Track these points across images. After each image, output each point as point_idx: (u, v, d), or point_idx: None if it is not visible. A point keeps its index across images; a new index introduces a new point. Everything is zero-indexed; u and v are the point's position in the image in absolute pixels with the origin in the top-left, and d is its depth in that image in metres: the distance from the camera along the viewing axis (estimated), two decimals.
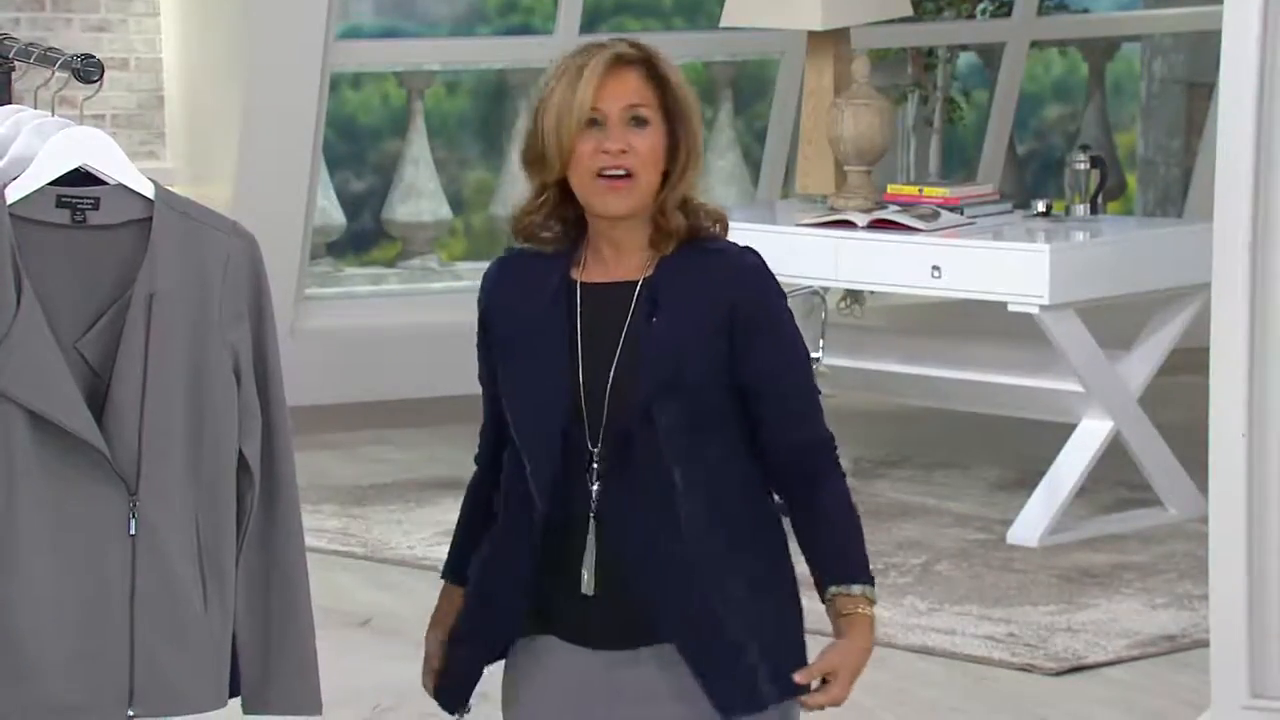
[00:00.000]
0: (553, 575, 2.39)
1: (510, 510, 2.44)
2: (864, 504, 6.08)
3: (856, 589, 2.38)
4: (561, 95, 2.33)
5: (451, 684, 2.45)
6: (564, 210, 2.39)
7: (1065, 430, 5.76)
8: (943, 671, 4.63)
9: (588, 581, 2.35)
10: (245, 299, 2.47)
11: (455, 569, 2.55)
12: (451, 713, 2.45)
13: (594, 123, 2.33)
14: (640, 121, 2.34)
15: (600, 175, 2.33)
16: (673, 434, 2.31)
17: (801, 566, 2.42)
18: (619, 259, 2.38)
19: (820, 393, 2.43)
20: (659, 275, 2.35)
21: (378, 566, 5.37)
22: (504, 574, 2.43)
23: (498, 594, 2.43)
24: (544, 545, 2.39)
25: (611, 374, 2.34)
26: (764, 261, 2.40)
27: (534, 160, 2.38)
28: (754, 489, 2.38)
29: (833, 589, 2.38)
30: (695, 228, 2.38)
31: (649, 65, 2.35)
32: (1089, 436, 5.71)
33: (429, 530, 5.65)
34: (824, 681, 2.38)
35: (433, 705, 4.66)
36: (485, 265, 8.76)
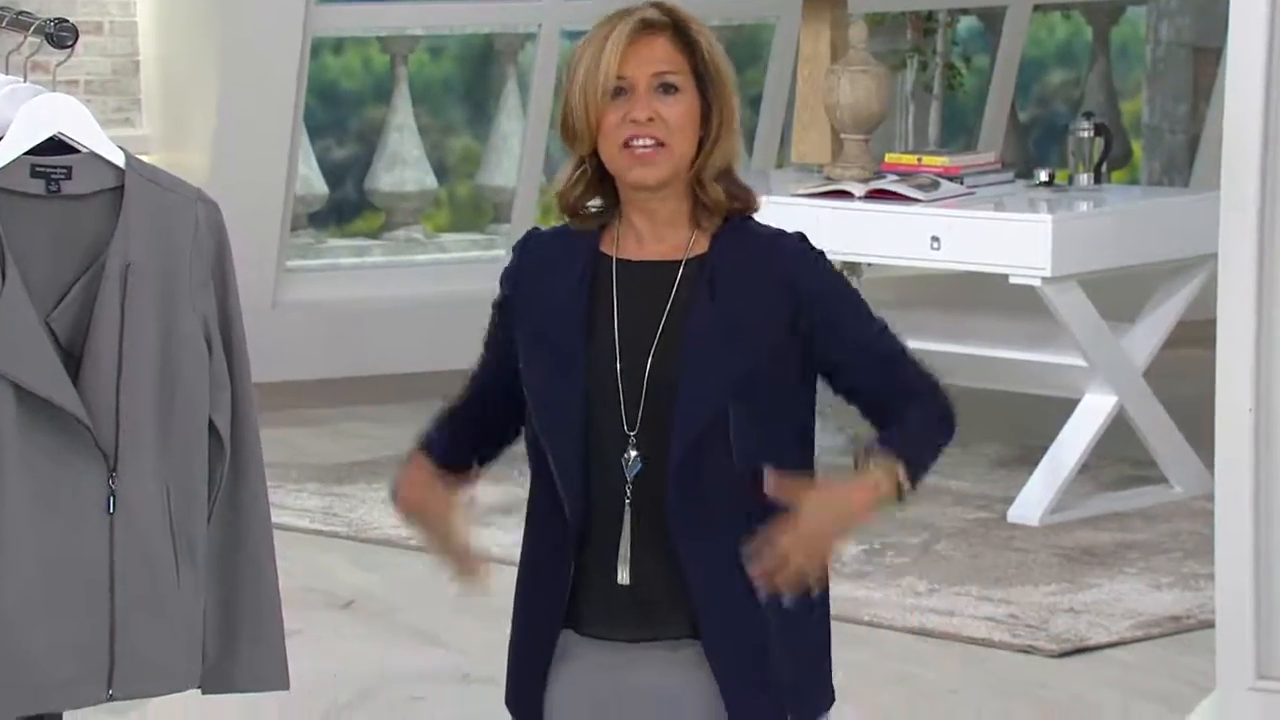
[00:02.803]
0: (580, 569, 2.35)
1: (539, 511, 2.38)
2: None
3: (900, 468, 2.25)
4: (587, 65, 2.32)
5: (519, 703, 2.40)
6: (603, 184, 2.37)
7: (1068, 406, 5.77)
8: (941, 653, 4.65)
9: (624, 574, 2.30)
10: (210, 266, 2.47)
11: (428, 442, 2.49)
12: None
13: (620, 91, 2.31)
14: (669, 88, 2.32)
15: (628, 145, 2.32)
16: (741, 427, 2.28)
17: None
18: (656, 234, 2.35)
19: (905, 345, 2.37)
20: (715, 255, 2.33)
21: (361, 547, 5.37)
22: (547, 580, 2.37)
23: (543, 604, 2.37)
24: (577, 538, 2.34)
25: (650, 357, 2.31)
26: (805, 238, 2.40)
27: (568, 133, 2.36)
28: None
29: (875, 452, 2.26)
30: (739, 206, 2.36)
31: (678, 29, 2.33)
32: (1092, 412, 5.72)
33: None
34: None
35: (419, 687, 4.65)
36: (471, 236, 8.68)
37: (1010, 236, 5.51)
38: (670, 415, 2.30)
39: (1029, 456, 5.87)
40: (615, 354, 2.33)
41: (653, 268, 2.35)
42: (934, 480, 6.92)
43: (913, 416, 2.33)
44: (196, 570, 2.47)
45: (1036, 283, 5.47)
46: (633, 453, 2.32)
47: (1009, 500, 5.67)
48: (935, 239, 5.55)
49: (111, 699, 2.44)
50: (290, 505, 5.58)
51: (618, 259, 2.37)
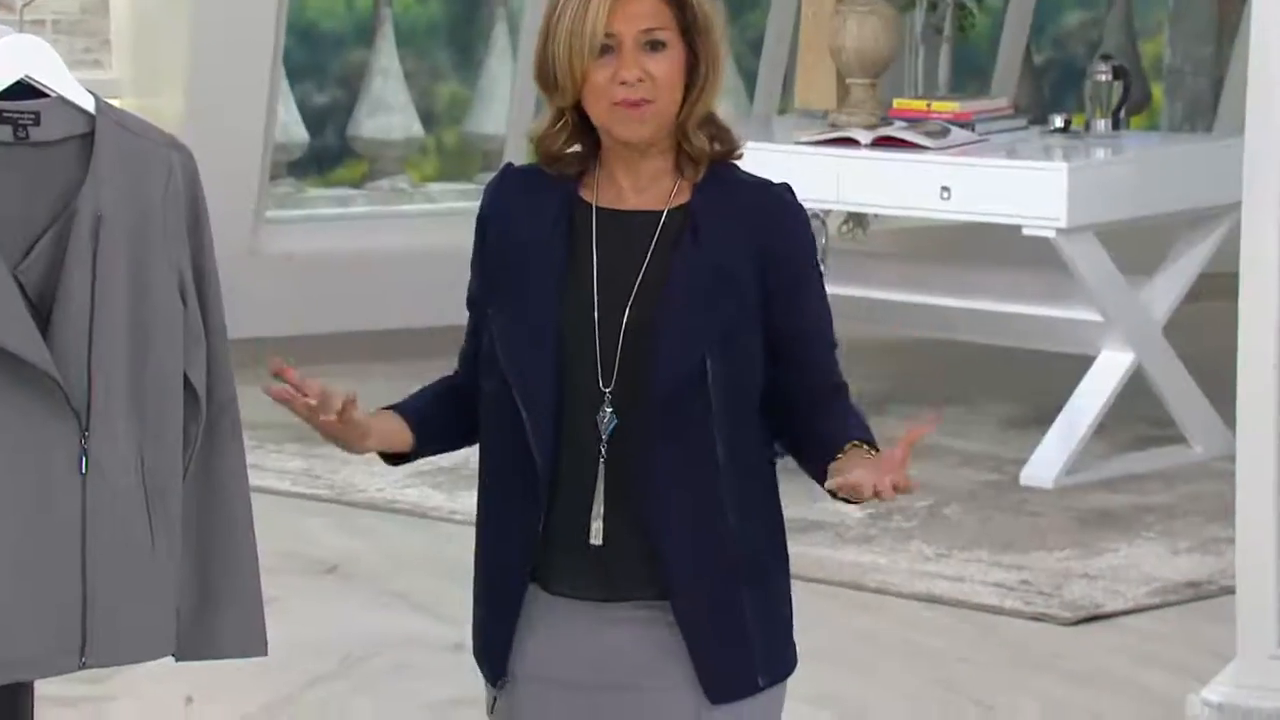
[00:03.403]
0: (547, 526, 2.37)
1: (503, 466, 2.39)
2: None
3: (875, 452, 2.35)
4: (572, 20, 2.33)
5: (489, 654, 2.43)
6: (585, 133, 2.39)
7: (1083, 363, 5.78)
8: (950, 621, 4.67)
9: (597, 531, 2.33)
10: (185, 216, 2.47)
11: (397, 405, 2.48)
12: (494, 683, 2.43)
13: (607, 49, 2.33)
14: (657, 45, 2.34)
15: (616, 105, 2.33)
16: (718, 379, 2.31)
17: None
18: (637, 185, 2.37)
19: (837, 345, 2.44)
20: (698, 204, 2.35)
21: (345, 510, 5.39)
22: (514, 537, 2.39)
23: (512, 560, 2.40)
24: (547, 493, 2.36)
25: (628, 309, 2.33)
26: (797, 198, 2.41)
27: (547, 85, 2.38)
28: (767, 454, 2.40)
29: (850, 445, 2.34)
30: (722, 150, 2.38)
31: None
32: (1108, 369, 5.73)
33: (399, 471, 5.65)
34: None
35: (405, 655, 4.68)
36: (460, 186, 8.67)
37: (1023, 186, 5.51)
38: (647, 369, 2.33)
39: (1042, 416, 5.89)
40: (592, 305, 2.35)
41: (634, 218, 2.37)
42: (942, 441, 6.96)
43: (850, 412, 2.41)
44: (172, 533, 2.48)
45: (1051, 234, 5.48)
46: (608, 409, 2.34)
47: (1021, 462, 5.69)
48: (945, 188, 5.55)
49: (85, 667, 2.45)
50: (269, 467, 5.59)
51: (598, 207, 2.39)
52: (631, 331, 2.34)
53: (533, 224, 2.39)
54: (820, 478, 2.36)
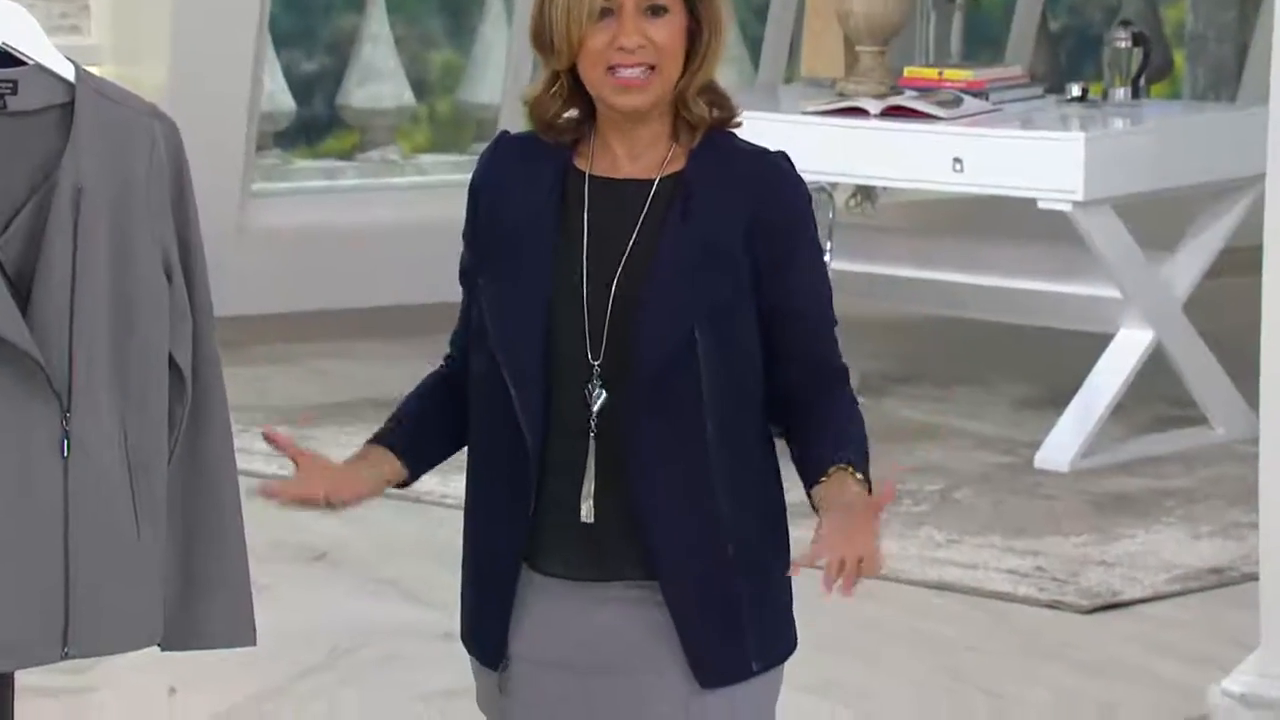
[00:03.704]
0: (538, 505, 2.39)
1: (492, 446, 2.41)
2: (874, 425, 6.10)
3: (859, 475, 2.36)
4: None
5: (481, 638, 2.46)
6: (580, 98, 2.39)
7: (1101, 341, 5.79)
8: (961, 609, 4.68)
9: (588, 510, 2.35)
10: (169, 189, 2.47)
11: (382, 435, 2.53)
12: (492, 667, 2.45)
13: (606, 12, 2.34)
14: (658, 10, 2.34)
15: (614, 70, 2.34)
16: (709, 355, 2.32)
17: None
18: (632, 152, 2.38)
19: (837, 323, 2.44)
20: (691, 172, 2.36)
21: None
22: (505, 518, 2.41)
23: (503, 541, 2.42)
24: (538, 472, 2.38)
25: (616, 279, 2.35)
26: (795, 169, 2.40)
27: (543, 47, 2.39)
28: (766, 433, 2.41)
29: (834, 468, 2.34)
30: (720, 117, 2.38)
31: None
32: (1127, 348, 5.74)
33: None
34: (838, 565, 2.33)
35: (396, 645, 4.69)
36: (453, 157, 8.67)
37: (1039, 157, 5.52)
38: (633, 343, 2.34)
39: (1057, 397, 5.90)
40: (582, 277, 2.36)
41: (627, 186, 2.38)
42: (954, 422, 6.95)
43: (848, 425, 2.41)
44: (157, 518, 2.49)
45: (1067, 207, 5.48)
46: (597, 384, 2.35)
47: (1036, 444, 5.70)
48: (957, 160, 5.55)
49: (67, 657, 2.46)
50: (257, 449, 5.57)
51: (591, 175, 2.40)
52: (619, 304, 2.35)
53: (526, 193, 2.40)
54: (810, 496, 2.40)
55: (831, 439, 2.38)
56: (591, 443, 2.36)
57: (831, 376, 2.42)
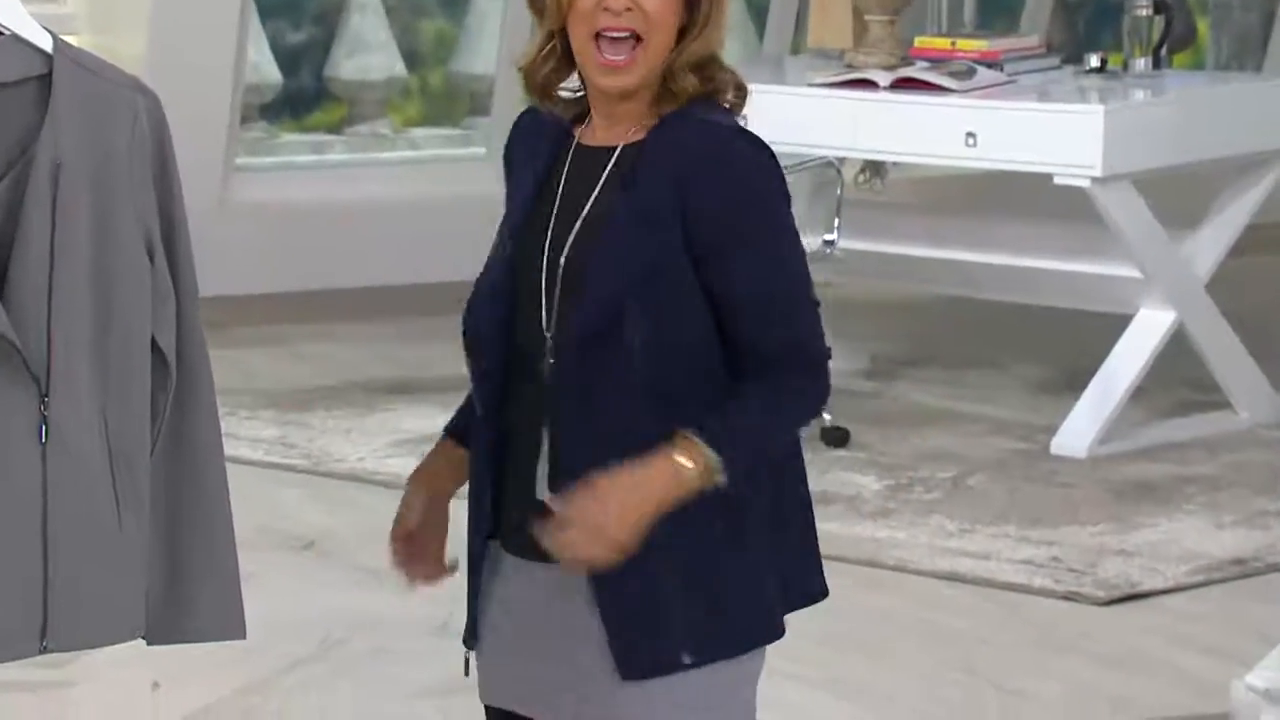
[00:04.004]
0: (502, 480, 2.43)
1: (476, 425, 2.47)
2: (884, 409, 6.20)
3: (701, 444, 2.29)
4: None
5: (467, 617, 2.49)
6: (574, 62, 2.41)
7: (1120, 322, 5.80)
8: (973, 601, 4.70)
9: (543, 490, 2.38)
10: (151, 165, 2.48)
11: (454, 426, 2.56)
12: (466, 645, 2.48)
13: None
14: None
15: (600, 36, 2.35)
16: (638, 332, 2.32)
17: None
18: (609, 121, 2.40)
19: (818, 302, 2.38)
20: (649, 141, 2.36)
21: (322, 482, 5.42)
22: (479, 495, 2.47)
23: (478, 520, 2.48)
24: (499, 448, 2.44)
25: (567, 249, 2.38)
26: (758, 149, 2.36)
27: (535, 5, 2.43)
28: None
29: (681, 433, 2.30)
30: (710, 91, 2.38)
31: None
32: (1147, 329, 5.75)
33: (381, 440, 5.69)
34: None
35: (388, 637, 4.69)
36: (445, 131, 8.63)
37: (1056, 131, 5.53)
38: (568, 310, 2.36)
39: (1075, 380, 5.91)
40: (544, 247, 2.39)
41: (598, 154, 2.41)
42: (967, 407, 6.94)
43: (752, 401, 2.34)
44: (140, 507, 2.50)
45: (1085, 183, 5.49)
46: (550, 356, 2.38)
47: (1052, 429, 5.71)
48: (970, 134, 5.56)
49: (46, 651, 2.47)
50: (242, 435, 5.62)
51: (577, 145, 2.43)
52: (566, 272, 2.37)
53: (528, 166, 2.45)
54: None
55: (716, 411, 2.33)
56: (546, 419, 2.39)
57: (776, 362, 2.36)
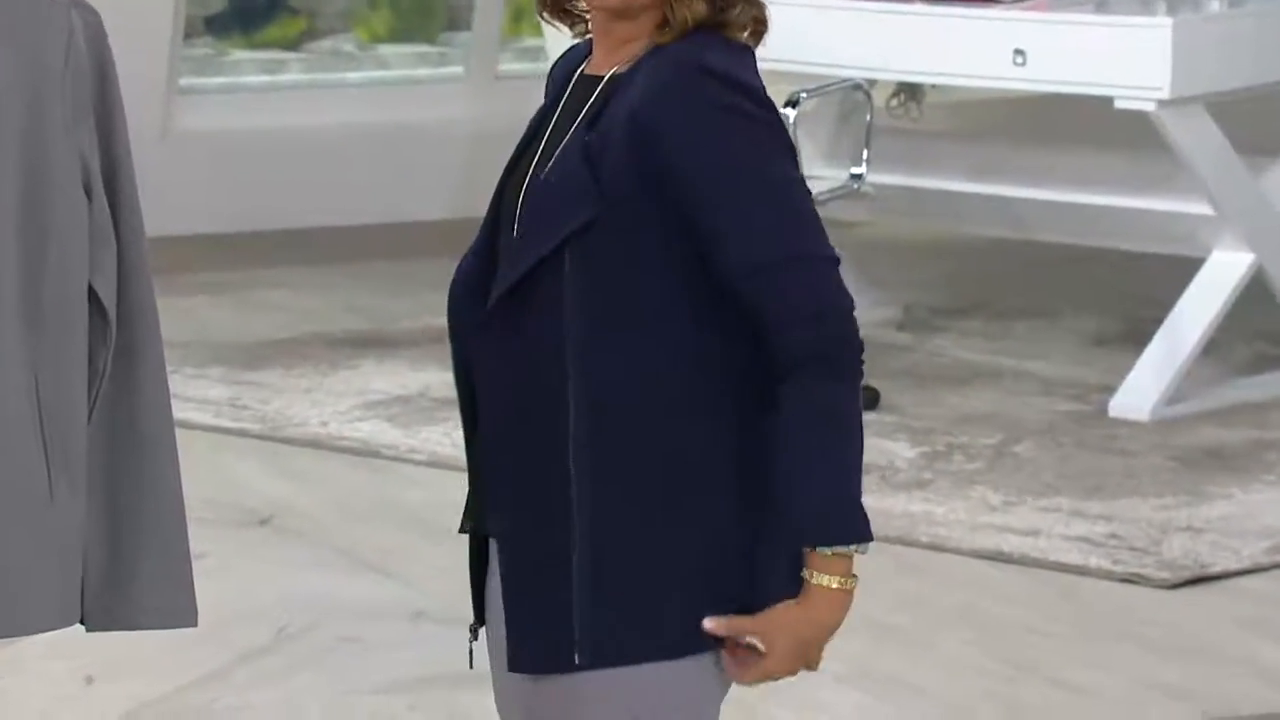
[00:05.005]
0: (473, 450, 2.48)
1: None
2: (919, 366, 6.22)
3: (826, 550, 2.32)
4: None
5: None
6: None
7: (1190, 266, 5.81)
8: (1021, 583, 4.72)
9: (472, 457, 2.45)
10: (90, 91, 2.49)
11: None
12: (474, 634, 2.54)
13: None
14: None
15: None
16: (574, 283, 2.34)
17: None
18: (606, 49, 2.43)
19: (827, 256, 2.33)
20: (629, 75, 2.37)
21: (279, 449, 5.44)
22: (468, 466, 2.53)
23: (467, 495, 2.53)
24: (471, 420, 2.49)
25: (520, 199, 2.40)
26: (728, 87, 2.34)
27: None
28: (703, 377, 2.37)
29: (804, 547, 2.33)
30: (721, 23, 2.38)
31: None
32: (1220, 274, 5.76)
33: (347, 401, 5.71)
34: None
35: (355, 625, 4.71)
36: (418, 48, 8.62)
37: (1116, 47, 5.53)
38: (518, 265, 2.38)
39: (1137, 332, 5.93)
40: (520, 189, 2.43)
41: (591, 84, 2.44)
42: (1014, 364, 6.93)
43: (794, 435, 2.33)
44: (75, 478, 2.51)
45: (1150, 107, 5.50)
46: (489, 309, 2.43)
47: (1110, 389, 5.73)
48: (1019, 52, 5.57)
49: None
50: (189, 395, 5.64)
51: (580, 72, 2.47)
52: (518, 219, 2.41)
53: (548, 98, 2.49)
54: None
55: (780, 473, 2.34)
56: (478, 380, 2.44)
57: (786, 350, 2.33)
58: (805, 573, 2.35)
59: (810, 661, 2.39)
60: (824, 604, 2.35)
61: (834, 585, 2.34)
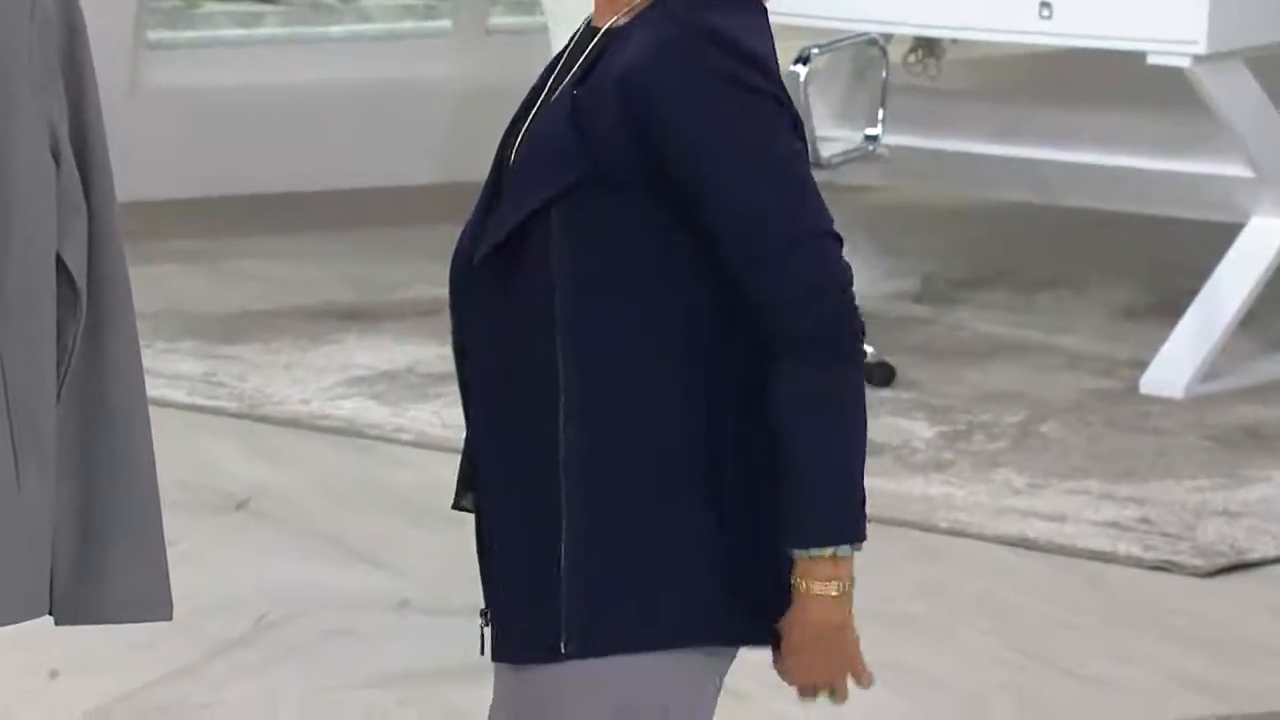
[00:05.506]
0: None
1: None
2: (940, 339, 6.22)
3: (815, 552, 2.35)
4: None
5: None
6: None
7: (1227, 233, 5.82)
8: (1046, 570, 4.73)
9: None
10: (60, 50, 2.50)
11: None
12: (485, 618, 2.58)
13: None
14: None
15: None
16: (564, 239, 2.36)
17: None
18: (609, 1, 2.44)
19: (825, 232, 2.35)
20: (625, 30, 2.38)
21: (256, 428, 5.45)
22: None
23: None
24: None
25: (512, 156, 2.43)
26: (720, 50, 2.34)
27: None
28: (698, 349, 2.39)
29: (789, 549, 2.37)
30: None
31: None
32: (1259, 241, 5.77)
33: (329, 378, 5.72)
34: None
35: (338, 615, 4.69)
36: (402, 0, 8.59)
37: None
38: (506, 229, 2.40)
39: (1170, 303, 5.94)
40: (513, 149, 2.45)
41: (587, 36, 2.46)
42: (1039, 338, 6.94)
43: (787, 425, 2.35)
44: (43, 461, 2.52)
45: (1186, 62, 5.51)
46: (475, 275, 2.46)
47: (1142, 364, 5.74)
48: (1045, 4, 5.57)
49: None
50: (160, 370, 5.65)
51: (588, 24, 2.48)
52: (509, 177, 2.44)
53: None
54: None
55: (780, 478, 2.37)
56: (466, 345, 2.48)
57: (780, 335, 2.36)
58: (794, 580, 2.37)
59: (838, 666, 2.43)
60: (811, 608, 2.38)
61: (820, 591, 2.37)
